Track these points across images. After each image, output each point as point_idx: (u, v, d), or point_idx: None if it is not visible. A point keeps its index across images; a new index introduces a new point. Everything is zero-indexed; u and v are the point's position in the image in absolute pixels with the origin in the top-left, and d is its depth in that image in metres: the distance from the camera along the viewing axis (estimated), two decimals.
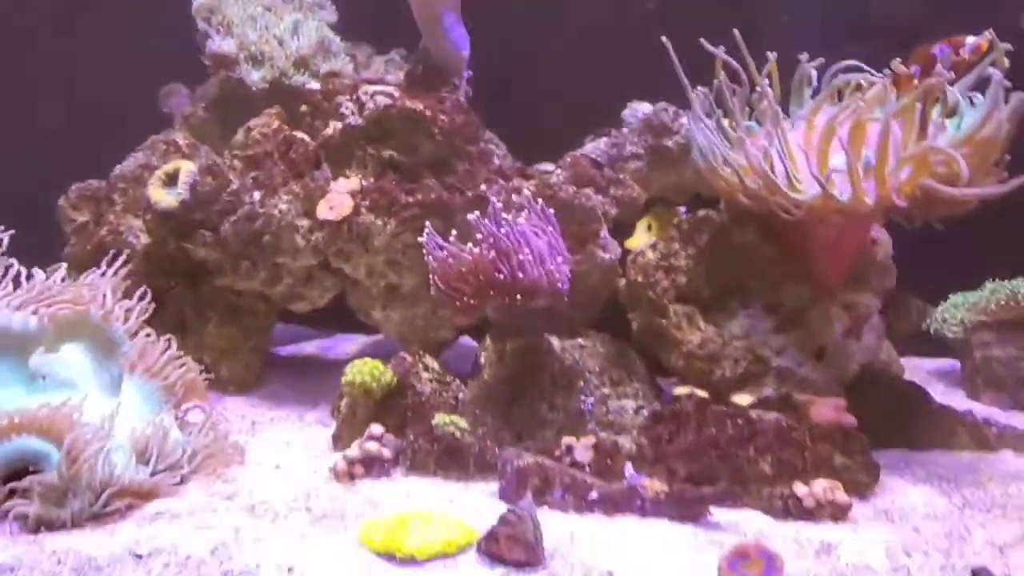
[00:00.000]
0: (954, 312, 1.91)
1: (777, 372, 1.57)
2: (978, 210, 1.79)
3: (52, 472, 1.31)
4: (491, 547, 1.24)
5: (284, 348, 2.13)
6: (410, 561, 1.23)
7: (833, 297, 1.61)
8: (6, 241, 1.53)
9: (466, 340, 1.97)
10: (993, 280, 1.94)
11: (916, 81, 1.55)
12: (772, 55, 1.60)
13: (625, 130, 1.81)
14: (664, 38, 1.56)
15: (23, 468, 1.33)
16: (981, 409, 1.81)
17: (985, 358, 1.87)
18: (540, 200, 1.59)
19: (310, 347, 2.19)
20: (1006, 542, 1.33)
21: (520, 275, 1.48)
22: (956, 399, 1.86)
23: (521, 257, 1.49)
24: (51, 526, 1.30)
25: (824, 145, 1.49)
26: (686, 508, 1.37)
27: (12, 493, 1.33)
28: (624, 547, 1.29)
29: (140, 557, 1.26)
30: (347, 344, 1.90)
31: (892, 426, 1.64)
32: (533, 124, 1.93)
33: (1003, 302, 1.85)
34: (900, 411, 1.65)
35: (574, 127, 1.90)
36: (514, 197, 1.61)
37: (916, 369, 2.02)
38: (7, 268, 1.49)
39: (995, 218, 1.90)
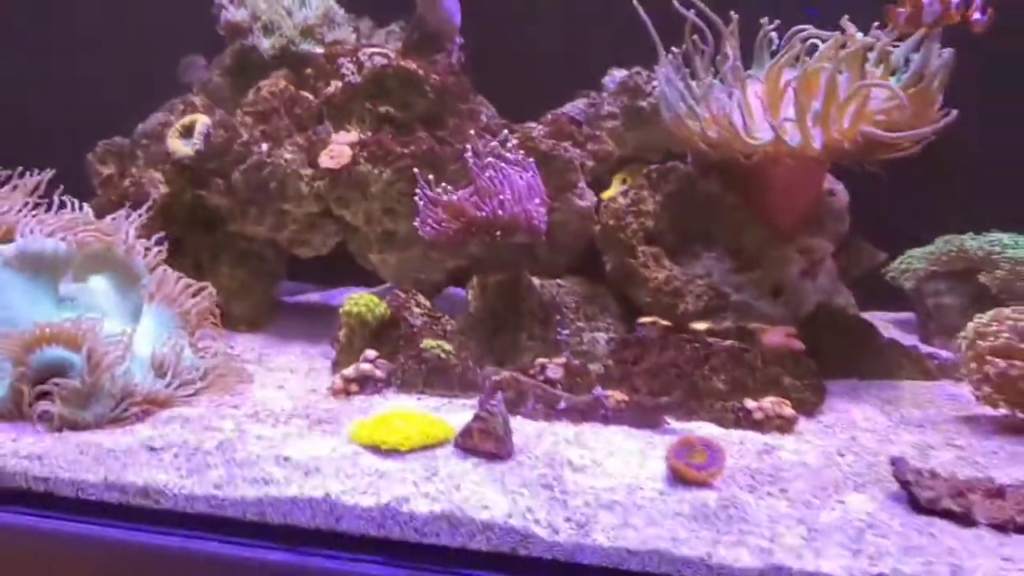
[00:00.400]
0: (910, 263, 2.03)
1: (736, 307, 1.69)
2: (933, 174, 1.93)
3: (77, 377, 1.47)
4: (466, 441, 1.37)
5: (291, 297, 2.27)
6: (393, 452, 1.37)
7: (790, 241, 1.73)
8: (43, 183, 1.69)
9: (458, 290, 2.10)
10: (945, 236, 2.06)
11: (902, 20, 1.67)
12: (734, 16, 1.72)
13: (604, 93, 1.95)
14: (636, 2, 1.70)
15: (52, 375, 1.48)
16: (930, 349, 1.93)
17: (937, 305, 1.99)
18: (522, 152, 1.74)
19: (314, 296, 2.33)
20: (930, 445, 1.45)
21: (500, 212, 1.62)
22: (915, 344, 1.98)
23: (502, 196, 1.63)
24: (74, 427, 1.45)
25: (776, 96, 1.62)
26: (645, 416, 1.50)
27: (40, 397, 1.49)
28: (585, 445, 1.42)
29: (154, 450, 1.40)
30: (348, 294, 2.02)
31: (843, 358, 1.76)
32: (521, 88, 2.06)
33: (953, 253, 1.97)
34: (851, 344, 1.77)
35: (559, 91, 2.03)
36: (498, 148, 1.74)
37: (877, 319, 2.13)
38: (41, 202, 1.65)
39: (948, 181, 2.06)
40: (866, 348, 1.77)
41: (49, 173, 1.64)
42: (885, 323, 2.16)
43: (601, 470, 1.32)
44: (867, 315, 2.08)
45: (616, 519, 1.18)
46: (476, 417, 1.36)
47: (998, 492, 1.22)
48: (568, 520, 1.17)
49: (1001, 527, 1.16)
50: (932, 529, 1.16)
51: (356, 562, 1.20)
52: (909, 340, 2.03)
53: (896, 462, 1.28)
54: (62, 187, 1.69)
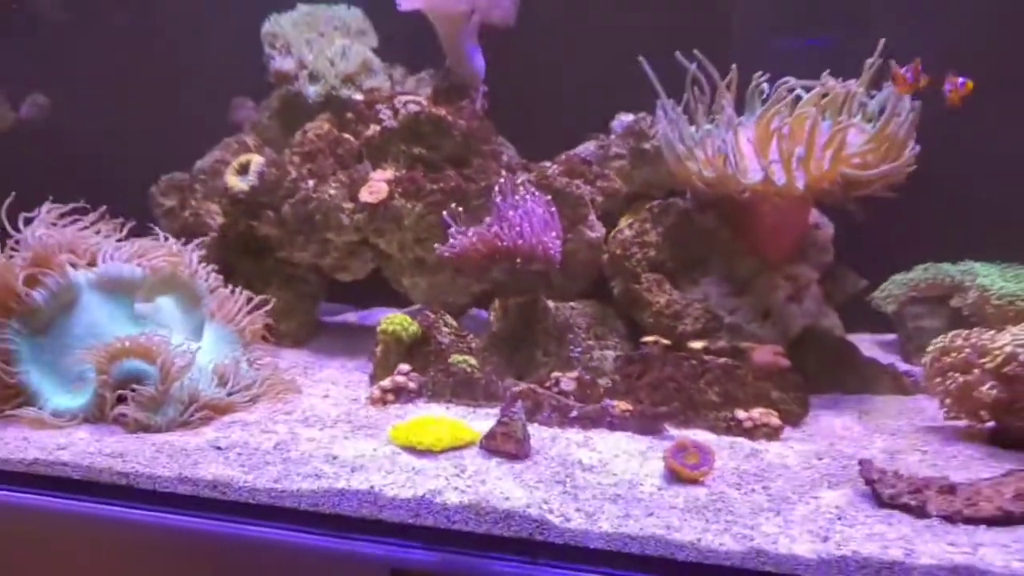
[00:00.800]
0: (892, 289, 2.20)
1: (729, 328, 1.86)
2: (912, 208, 2.11)
3: (151, 385, 1.66)
4: (489, 443, 1.56)
5: (331, 317, 2.46)
6: (427, 452, 1.55)
7: (778, 269, 1.90)
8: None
9: (480, 311, 2.29)
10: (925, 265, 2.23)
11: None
12: (734, 68, 1.91)
13: (613, 136, 2.14)
14: (641, 57, 1.90)
15: (130, 383, 1.67)
16: (908, 367, 2.10)
17: (916, 327, 2.15)
18: (538, 189, 1.93)
19: (352, 317, 2.52)
20: (898, 451, 1.62)
21: (520, 243, 1.81)
22: (893, 362, 2.14)
23: (521, 229, 1.82)
24: (147, 429, 1.64)
25: (765, 141, 1.81)
26: (646, 424, 1.68)
27: (118, 403, 1.68)
28: (594, 448, 1.60)
29: (220, 449, 1.59)
30: (382, 314, 2.21)
31: (827, 374, 1.93)
32: (538, 130, 2.25)
33: (931, 280, 2.14)
34: (834, 362, 1.94)
35: (573, 133, 2.22)
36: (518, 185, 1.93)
37: (862, 341, 2.30)
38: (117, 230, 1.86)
39: (927, 216, 2.23)
40: (848, 366, 1.94)
41: (104, 207, 1.84)
42: (870, 343, 2.32)
43: (607, 469, 1.50)
44: (854, 336, 2.25)
45: (619, 510, 1.35)
46: (499, 422, 1.54)
47: (950, 489, 1.39)
48: (578, 510, 1.35)
49: (950, 519, 1.33)
50: (891, 520, 1.33)
51: (396, 546, 1.38)
52: (890, 359, 2.19)
53: (863, 464, 1.45)
54: (128, 217, 1.91)
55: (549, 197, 1.90)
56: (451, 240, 1.83)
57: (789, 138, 1.77)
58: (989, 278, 2.00)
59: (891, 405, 1.87)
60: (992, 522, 1.32)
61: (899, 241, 2.27)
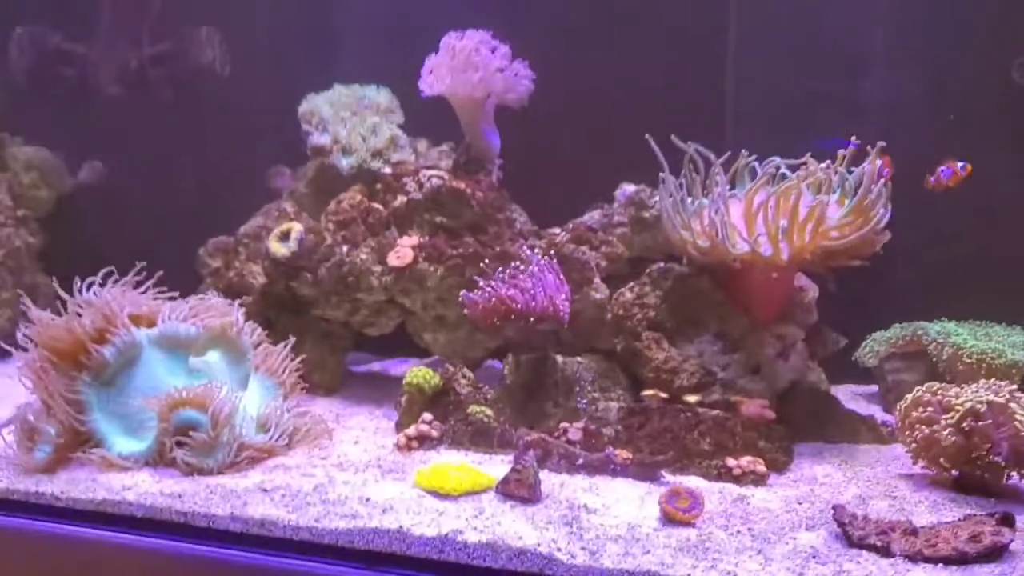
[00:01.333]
0: (873, 346, 2.37)
1: (722, 382, 2.03)
2: (891, 271, 2.30)
3: (204, 432, 1.84)
4: (504, 488, 1.72)
5: (359, 367, 2.64)
6: (448, 496, 1.72)
7: (767, 329, 2.08)
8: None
9: (494, 363, 2.46)
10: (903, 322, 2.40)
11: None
12: (727, 154, 2.10)
13: (616, 204, 2.33)
14: (648, 136, 2.08)
15: (186, 430, 1.85)
16: (887, 418, 2.25)
17: (895, 381, 2.31)
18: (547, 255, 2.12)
19: (378, 366, 2.70)
20: (871, 496, 1.78)
21: (533, 304, 2.00)
22: (875, 413, 2.30)
23: (535, 292, 2.00)
24: (201, 472, 1.81)
25: (751, 215, 1.99)
26: (645, 471, 1.84)
27: (177, 447, 1.86)
28: (598, 492, 1.76)
29: (266, 491, 1.75)
30: (406, 365, 2.39)
31: (812, 425, 2.09)
32: (550, 198, 2.45)
33: (908, 337, 2.30)
34: (818, 414, 2.09)
35: (582, 200, 2.43)
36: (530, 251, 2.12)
37: (847, 392, 2.47)
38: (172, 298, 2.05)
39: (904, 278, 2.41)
40: (830, 417, 2.10)
41: (160, 272, 2.04)
42: (855, 395, 2.48)
43: (609, 512, 1.66)
44: (841, 388, 2.42)
45: (620, 549, 1.51)
46: (513, 469, 1.71)
47: (913, 531, 1.54)
48: (583, 548, 1.51)
49: (912, 558, 1.48)
50: (859, 559, 1.48)
51: None
52: (872, 410, 2.35)
53: (836, 508, 1.61)
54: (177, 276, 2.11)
55: (556, 262, 2.09)
56: (475, 294, 2.01)
57: (775, 212, 1.95)
58: (962, 336, 2.17)
59: (869, 454, 2.03)
60: (948, 561, 1.48)
61: (879, 301, 2.46)
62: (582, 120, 2.55)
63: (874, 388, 2.50)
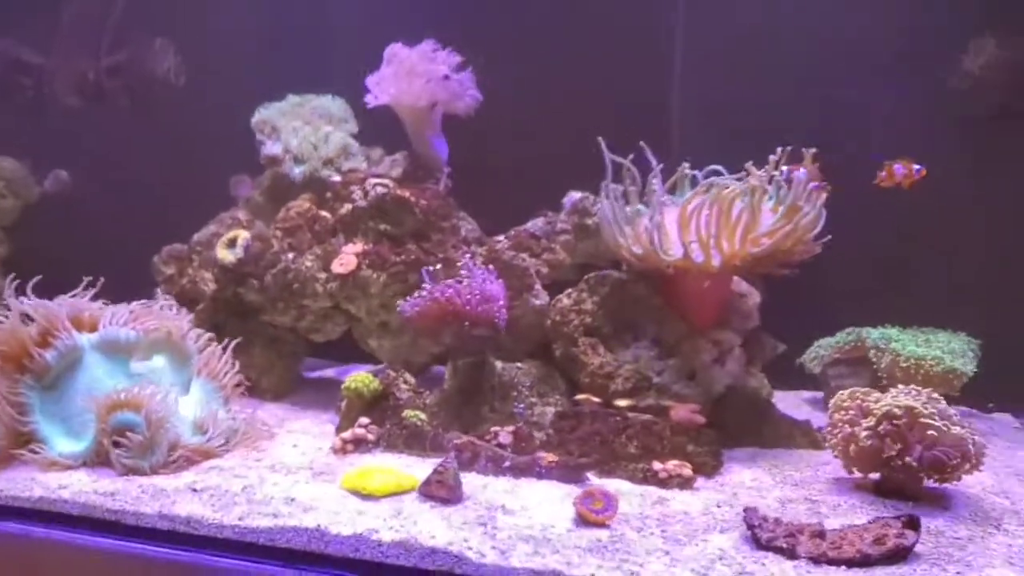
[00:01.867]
0: (818, 352, 2.41)
1: (657, 387, 2.07)
2: (834, 277, 2.35)
3: (140, 434, 1.91)
4: (426, 489, 1.78)
5: (311, 372, 2.71)
6: (371, 497, 1.78)
7: (703, 334, 2.12)
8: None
9: (443, 368, 2.52)
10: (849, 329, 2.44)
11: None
12: (660, 165, 2.15)
13: (562, 213, 2.39)
14: (600, 139, 2.13)
15: (124, 431, 1.92)
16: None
17: (839, 386, 2.32)
18: (488, 262, 2.18)
19: (330, 372, 2.76)
20: (791, 499, 1.82)
21: (468, 309, 2.05)
22: (817, 419, 2.34)
23: (469, 297, 2.06)
24: (137, 472, 1.88)
25: (686, 222, 2.04)
26: (570, 473, 1.89)
27: (114, 448, 1.93)
28: (519, 494, 1.81)
29: (196, 491, 1.82)
30: (357, 370, 2.45)
31: (747, 430, 2.13)
32: (504, 206, 2.50)
33: (854, 343, 2.34)
34: (754, 419, 2.14)
35: (532, 209, 2.49)
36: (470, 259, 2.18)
37: (795, 398, 2.51)
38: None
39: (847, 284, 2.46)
40: (766, 422, 2.14)
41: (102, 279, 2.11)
42: (800, 401, 2.53)
43: (527, 513, 1.71)
44: (788, 394, 2.46)
45: (530, 548, 1.56)
46: (434, 471, 1.77)
47: (821, 534, 1.59)
48: (494, 548, 1.56)
49: (815, 560, 1.52)
50: (764, 560, 1.52)
51: None
52: (815, 416, 2.38)
53: (747, 511, 1.66)
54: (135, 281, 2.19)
55: (496, 269, 2.15)
56: (414, 297, 2.07)
57: (708, 219, 2.01)
58: (901, 343, 2.21)
59: (801, 459, 2.07)
60: (851, 563, 1.52)
61: (829, 307, 2.50)
62: (534, 128, 2.61)
63: (821, 394, 2.54)
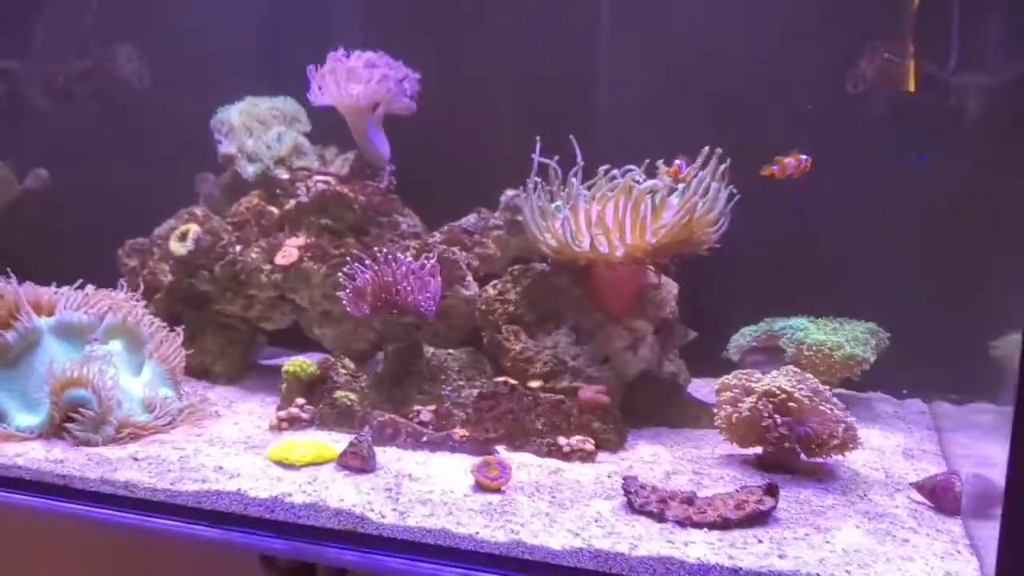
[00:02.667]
0: (738, 340, 2.59)
1: (572, 371, 2.27)
2: (762, 270, 2.54)
3: (92, 409, 2.14)
4: (343, 460, 1.98)
5: (267, 360, 2.93)
6: (293, 466, 2.00)
7: (618, 322, 2.32)
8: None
9: None
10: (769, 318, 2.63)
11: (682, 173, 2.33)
12: (580, 164, 2.34)
13: (497, 210, 2.61)
14: (537, 138, 2.32)
15: (76, 407, 2.15)
16: None
17: None
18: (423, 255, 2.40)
19: (284, 360, 2.99)
20: (678, 472, 2.01)
21: (397, 298, 2.27)
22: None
23: (398, 286, 2.27)
24: (88, 444, 2.10)
25: (599, 216, 2.24)
26: (480, 447, 2.09)
27: (66, 422, 2.15)
28: (428, 466, 2.01)
29: (137, 460, 2.04)
30: (313, 358, 2.67)
31: (657, 411, 2.33)
32: (446, 202, 2.70)
33: (768, 332, 2.52)
34: (663, 401, 2.33)
35: (469, 203, 2.70)
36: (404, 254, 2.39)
37: (712, 383, 2.69)
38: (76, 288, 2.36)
39: (773, 276, 2.64)
40: (674, 404, 2.34)
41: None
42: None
43: (431, 481, 1.92)
44: (708, 380, 2.64)
45: (427, 511, 1.77)
46: (350, 443, 1.98)
47: (690, 500, 1.77)
48: (394, 510, 1.77)
49: (681, 523, 1.71)
50: (635, 523, 1.72)
51: (257, 535, 1.82)
52: None
53: (625, 479, 1.85)
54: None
55: (434, 261, 2.36)
56: (353, 281, 2.29)
57: (615, 215, 2.21)
58: (806, 331, 2.39)
59: (703, 437, 2.25)
60: (713, 526, 1.71)
61: (758, 300, 2.68)
62: (479, 129, 2.81)
63: None
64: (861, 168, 2.49)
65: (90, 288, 2.31)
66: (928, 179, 2.51)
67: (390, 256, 2.27)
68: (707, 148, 2.23)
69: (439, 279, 2.33)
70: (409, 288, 2.26)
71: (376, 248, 2.38)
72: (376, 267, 2.27)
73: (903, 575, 1.53)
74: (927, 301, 2.49)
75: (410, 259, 2.29)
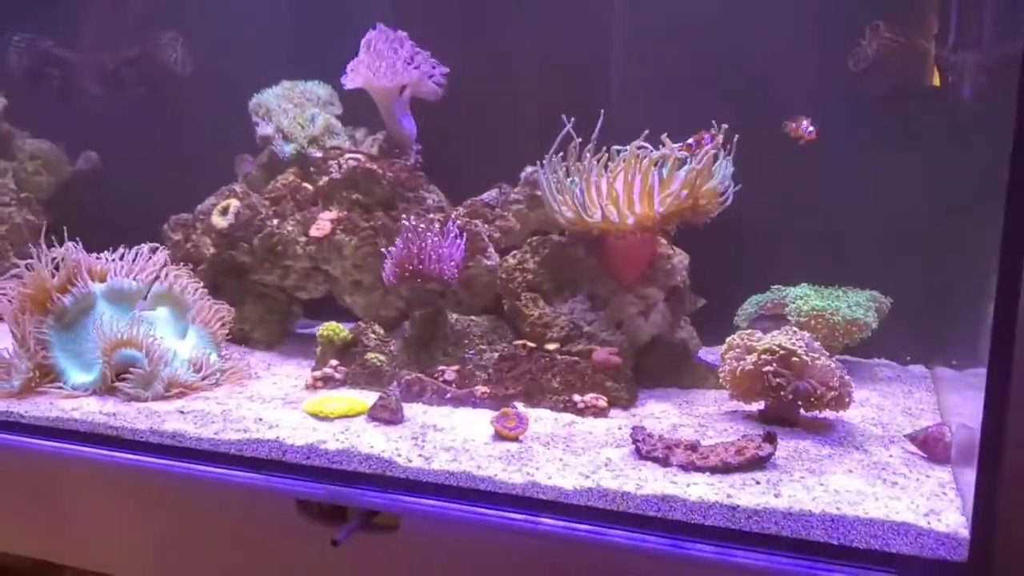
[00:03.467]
0: (746, 308, 2.69)
1: (587, 335, 2.38)
2: (772, 239, 2.64)
3: (142, 368, 2.30)
4: (373, 412, 2.12)
5: (303, 329, 3.08)
6: (326, 418, 2.14)
7: (630, 290, 2.43)
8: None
9: None
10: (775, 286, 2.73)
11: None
12: (594, 141, 2.45)
13: (518, 185, 2.73)
14: (564, 116, 2.44)
15: (127, 366, 2.32)
16: None
17: None
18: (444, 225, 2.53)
19: (317, 327, 3.15)
20: (684, 424, 2.14)
21: (421, 267, 2.40)
22: None
23: (423, 256, 2.40)
24: (137, 400, 2.26)
25: (603, 188, 2.35)
26: (500, 403, 2.21)
27: (117, 379, 2.32)
28: (452, 419, 2.14)
29: (183, 413, 2.19)
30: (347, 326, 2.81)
31: (668, 373, 2.44)
32: (472, 178, 2.85)
33: (774, 300, 2.62)
34: (673, 363, 2.44)
35: (491, 180, 2.82)
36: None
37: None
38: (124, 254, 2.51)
39: (783, 247, 2.74)
40: (684, 366, 2.45)
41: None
42: None
43: (454, 432, 2.05)
44: (716, 348, 2.74)
45: (450, 456, 1.90)
46: (379, 397, 2.12)
47: (694, 447, 1.89)
48: (420, 455, 1.90)
49: (684, 468, 1.82)
50: (642, 467, 1.83)
51: (295, 480, 1.96)
52: None
53: (634, 429, 1.97)
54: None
55: (456, 234, 2.49)
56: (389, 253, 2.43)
57: (625, 186, 2.32)
58: (804, 298, 2.49)
59: (709, 396, 2.36)
60: (714, 470, 1.81)
61: (770, 269, 2.78)
62: (498, 109, 2.93)
63: None
64: (864, 142, 2.58)
65: (144, 248, 2.46)
66: (931, 152, 2.61)
67: (419, 227, 2.40)
68: (715, 123, 2.33)
69: (461, 248, 2.46)
70: (434, 257, 2.39)
71: (404, 217, 2.52)
72: (407, 237, 2.40)
73: (890, 511, 1.64)
74: (931, 271, 2.58)
75: (436, 228, 2.42)
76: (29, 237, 3.09)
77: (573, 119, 2.40)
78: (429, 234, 2.39)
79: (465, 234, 2.51)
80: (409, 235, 2.39)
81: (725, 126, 2.31)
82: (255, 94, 2.93)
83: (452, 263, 2.42)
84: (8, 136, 3.36)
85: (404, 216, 2.52)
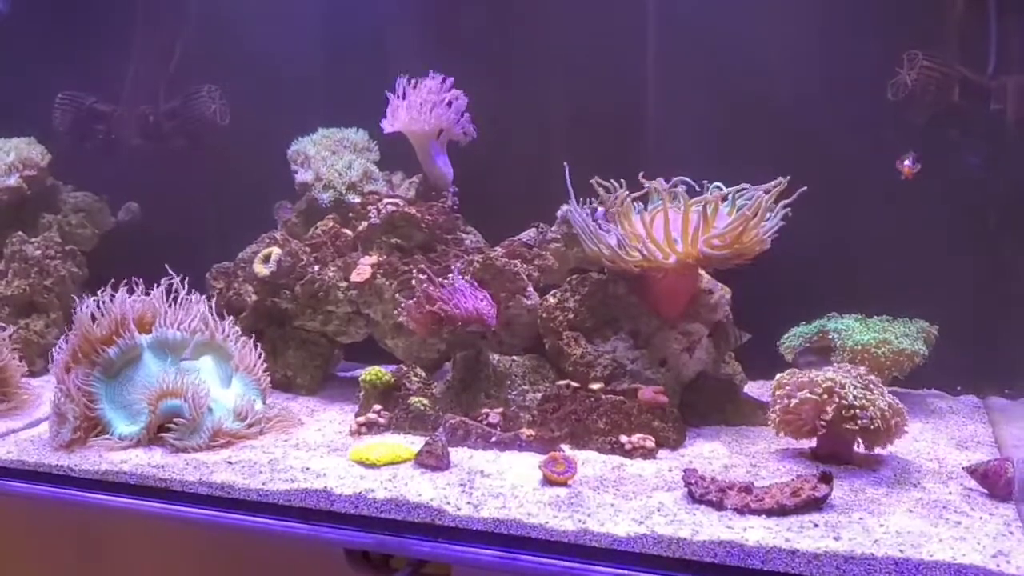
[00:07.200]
0: (791, 340, 2.62)
1: (631, 374, 2.34)
2: (812, 273, 2.59)
3: (186, 418, 2.28)
4: (419, 459, 2.09)
5: (344, 372, 3.06)
6: (373, 466, 2.11)
7: (674, 327, 2.39)
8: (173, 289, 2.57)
9: None
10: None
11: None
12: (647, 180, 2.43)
13: (554, 224, 2.70)
14: (565, 164, 2.44)
15: (171, 417, 2.30)
16: None
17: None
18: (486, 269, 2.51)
19: (360, 372, 3.12)
20: (733, 465, 2.07)
21: (456, 311, 2.36)
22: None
23: (456, 301, 2.36)
24: (183, 450, 2.23)
25: (644, 229, 2.31)
26: (546, 446, 2.17)
27: (160, 431, 2.30)
28: (499, 463, 2.10)
29: (231, 463, 2.17)
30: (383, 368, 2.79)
31: (714, 410, 2.38)
32: (508, 219, 2.82)
33: (818, 332, 2.55)
34: (720, 400, 2.38)
35: (528, 219, 2.80)
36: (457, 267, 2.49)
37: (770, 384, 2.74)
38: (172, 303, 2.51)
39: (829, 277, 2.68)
40: (731, 403, 2.39)
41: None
42: None
43: (501, 477, 2.00)
44: (762, 383, 2.68)
45: (499, 504, 1.86)
46: (425, 443, 2.08)
47: (748, 489, 1.83)
48: (468, 503, 1.87)
49: (740, 511, 1.77)
50: (695, 511, 1.78)
51: (343, 530, 1.93)
52: None
53: (686, 471, 1.91)
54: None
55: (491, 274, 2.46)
56: (405, 305, 2.41)
57: (665, 225, 2.28)
58: (848, 331, 2.43)
59: (759, 434, 2.29)
60: (771, 513, 1.76)
61: (817, 301, 2.72)
62: (537, 150, 2.93)
63: None
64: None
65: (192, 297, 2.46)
66: (977, 180, 2.55)
67: (439, 280, 2.37)
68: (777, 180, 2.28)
69: (476, 291, 2.41)
70: (469, 302, 2.35)
71: (444, 264, 2.50)
72: (427, 287, 2.37)
73: (956, 553, 1.57)
74: (981, 299, 2.51)
75: (463, 278, 2.39)
76: (74, 289, 3.11)
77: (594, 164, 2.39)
78: (458, 283, 2.36)
79: (504, 275, 2.48)
80: (429, 284, 2.37)
81: (788, 177, 2.26)
82: (293, 142, 2.94)
83: (486, 304, 2.38)
84: (54, 190, 3.41)
85: (445, 261, 2.50)
